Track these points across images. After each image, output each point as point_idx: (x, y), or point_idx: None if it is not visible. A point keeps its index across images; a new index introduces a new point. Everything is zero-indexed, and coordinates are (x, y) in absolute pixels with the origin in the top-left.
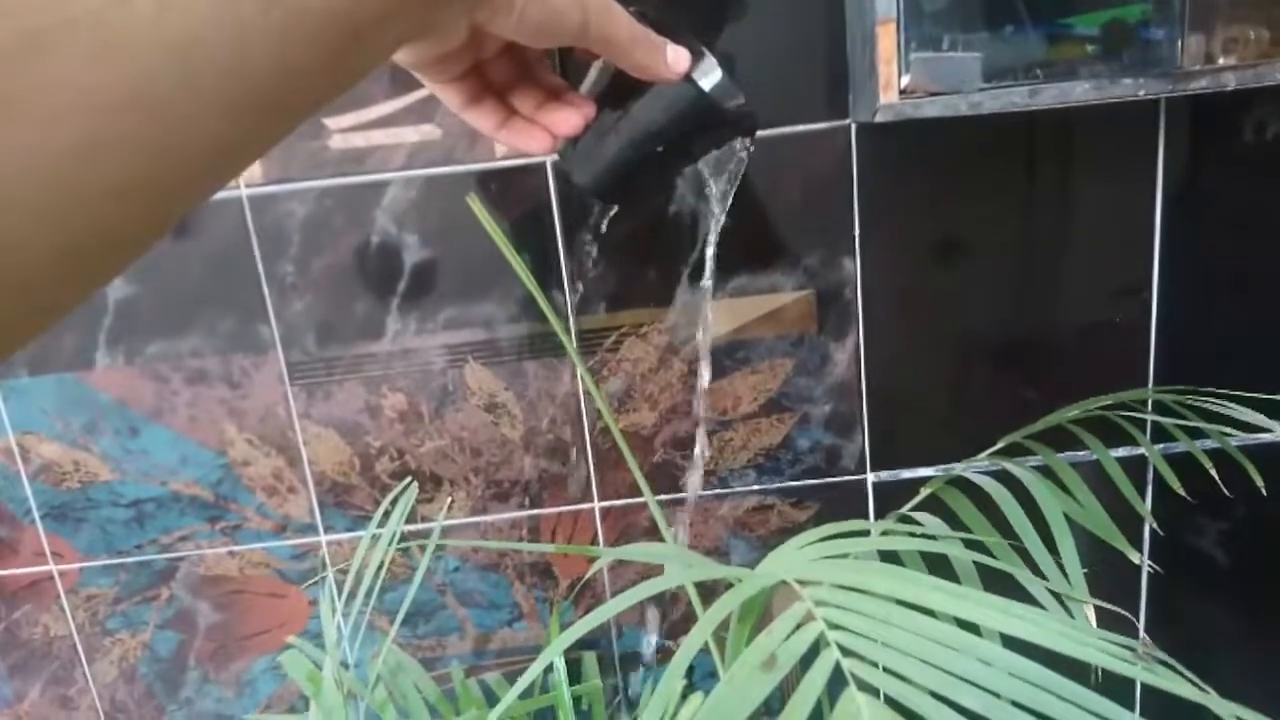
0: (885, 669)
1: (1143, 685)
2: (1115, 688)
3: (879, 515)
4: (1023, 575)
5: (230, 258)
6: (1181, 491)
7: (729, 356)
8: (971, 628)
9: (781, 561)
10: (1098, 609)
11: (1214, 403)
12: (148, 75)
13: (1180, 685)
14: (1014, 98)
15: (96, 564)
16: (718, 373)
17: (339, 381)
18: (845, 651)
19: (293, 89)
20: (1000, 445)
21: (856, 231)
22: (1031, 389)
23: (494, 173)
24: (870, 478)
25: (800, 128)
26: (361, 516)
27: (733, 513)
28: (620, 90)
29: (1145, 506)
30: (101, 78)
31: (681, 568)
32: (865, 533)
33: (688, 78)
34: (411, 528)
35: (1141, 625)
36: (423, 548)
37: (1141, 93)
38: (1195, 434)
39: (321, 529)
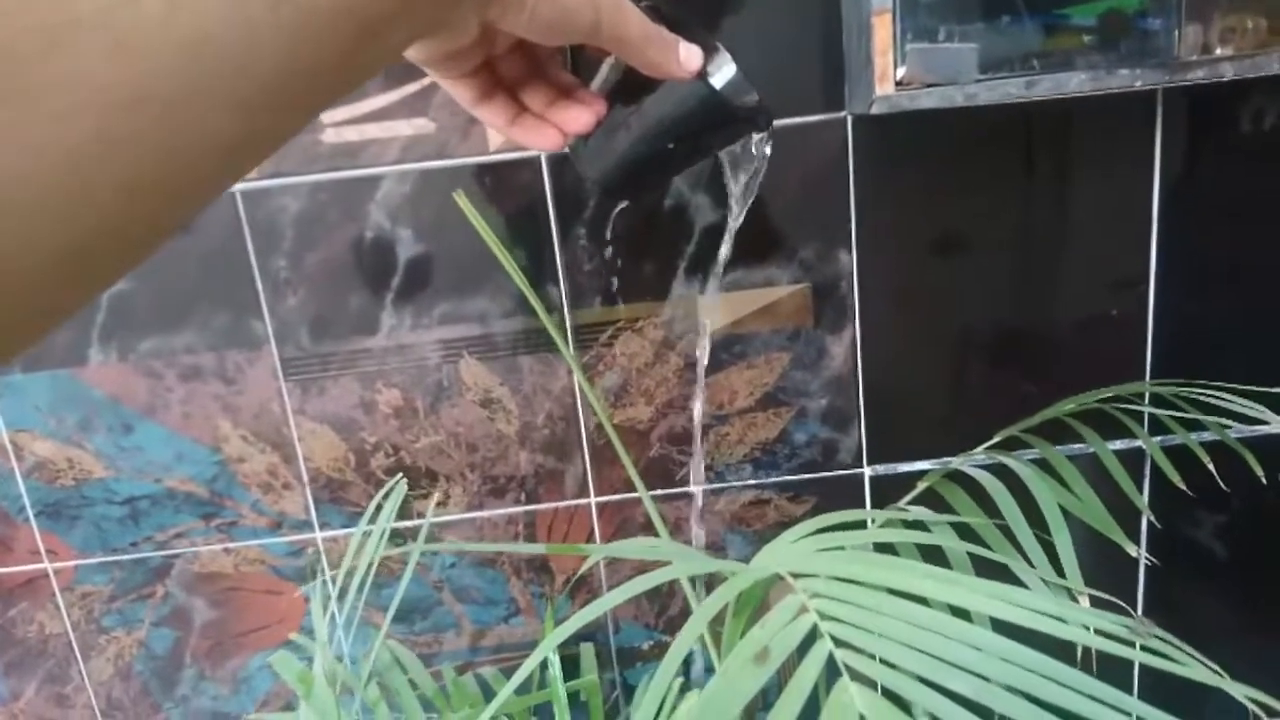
0: (878, 658)
1: (1141, 675)
2: (1114, 675)
3: (876, 509)
4: (1018, 566)
5: (223, 253)
6: (1180, 484)
7: (725, 350)
8: (964, 614)
9: (775, 555)
10: (1095, 601)
11: (1212, 395)
12: (157, 73)
13: (1177, 665)
14: (1010, 89)
15: (91, 561)
16: (714, 367)
17: (334, 377)
18: (838, 642)
19: (303, 87)
20: (997, 439)
21: (853, 224)
22: (1029, 382)
23: (488, 166)
24: (867, 472)
25: (796, 120)
26: (357, 513)
27: (729, 507)
28: (632, 86)
29: (1143, 499)
30: (111, 75)
31: (676, 562)
32: (859, 524)
33: (700, 75)
34: (407, 524)
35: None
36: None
37: (1139, 83)
38: (1193, 426)
39: (317, 525)
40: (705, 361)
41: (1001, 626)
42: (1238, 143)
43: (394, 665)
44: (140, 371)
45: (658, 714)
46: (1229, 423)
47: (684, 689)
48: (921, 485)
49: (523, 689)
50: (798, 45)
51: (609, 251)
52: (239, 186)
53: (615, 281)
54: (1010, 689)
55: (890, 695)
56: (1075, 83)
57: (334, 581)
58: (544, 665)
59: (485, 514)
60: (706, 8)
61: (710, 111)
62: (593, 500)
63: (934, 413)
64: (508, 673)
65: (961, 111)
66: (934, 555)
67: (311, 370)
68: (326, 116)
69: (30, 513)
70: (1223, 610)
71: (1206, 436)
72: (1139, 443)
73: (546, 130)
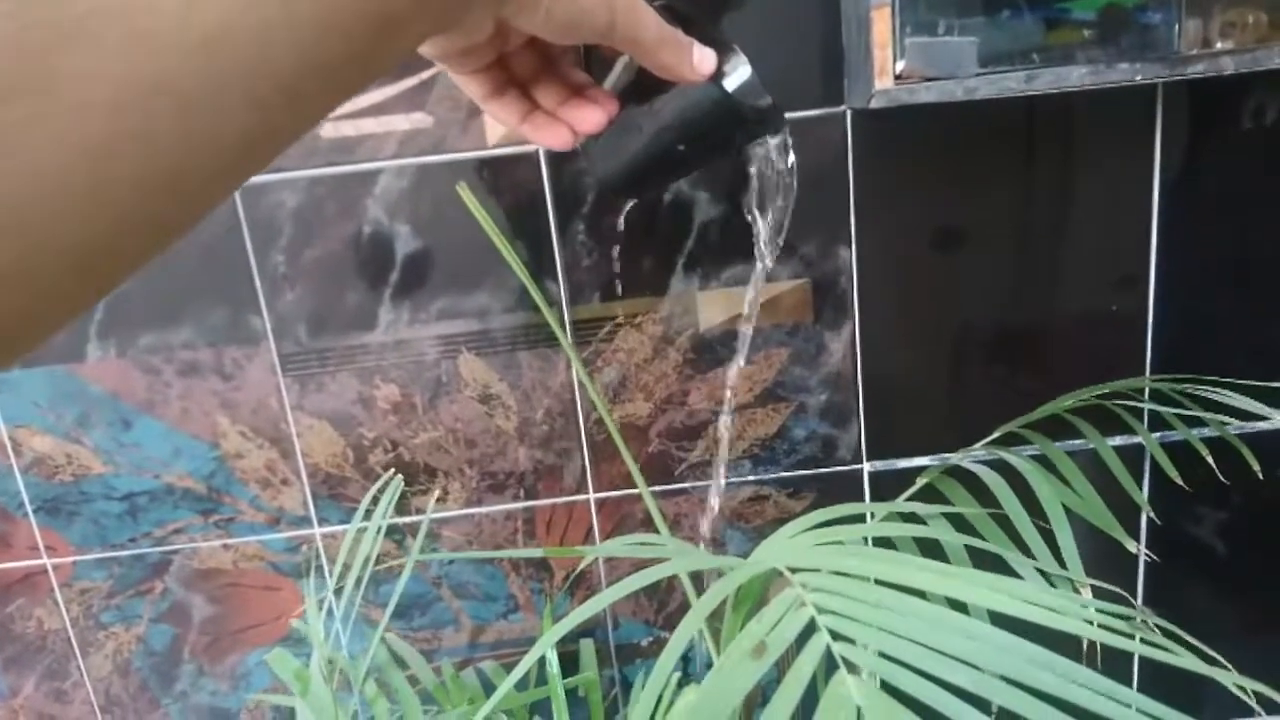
0: (876, 652)
1: (1140, 669)
2: (1114, 671)
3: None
4: (1017, 559)
5: (221, 248)
6: (1179, 480)
7: (724, 346)
8: (961, 608)
9: (773, 550)
10: (1097, 592)
11: (1212, 391)
12: (174, 68)
13: (1173, 655)
14: (1010, 83)
15: (90, 557)
16: (712, 363)
17: (332, 373)
18: (836, 636)
19: (319, 83)
20: (997, 435)
21: (852, 219)
22: (1028, 378)
23: (486, 161)
24: (866, 468)
25: (795, 114)
26: (355, 508)
27: (728, 503)
28: (645, 87)
29: (1143, 495)
30: (128, 69)
31: (675, 558)
32: (857, 518)
33: (715, 76)
34: (405, 520)
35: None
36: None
37: (1139, 77)
38: (1193, 422)
39: (315, 521)
40: (734, 383)
41: (1000, 619)
42: (1238, 137)
43: (392, 661)
44: (139, 367)
45: (655, 708)
46: (1228, 419)
47: (683, 684)
48: (921, 481)
49: (522, 685)
50: (797, 39)
51: (608, 247)
52: None
53: (614, 277)
54: (1008, 681)
55: (887, 688)
56: (1075, 77)
57: (332, 577)
58: (543, 661)
59: (484, 510)
60: (706, 2)
61: (723, 114)
62: (591, 496)
63: (934, 409)
64: (507, 669)
65: (961, 106)
66: (933, 550)
67: (310, 366)
68: None
69: (29, 508)
70: (1222, 606)
71: (1206, 432)
72: (1139, 439)
73: (558, 128)
